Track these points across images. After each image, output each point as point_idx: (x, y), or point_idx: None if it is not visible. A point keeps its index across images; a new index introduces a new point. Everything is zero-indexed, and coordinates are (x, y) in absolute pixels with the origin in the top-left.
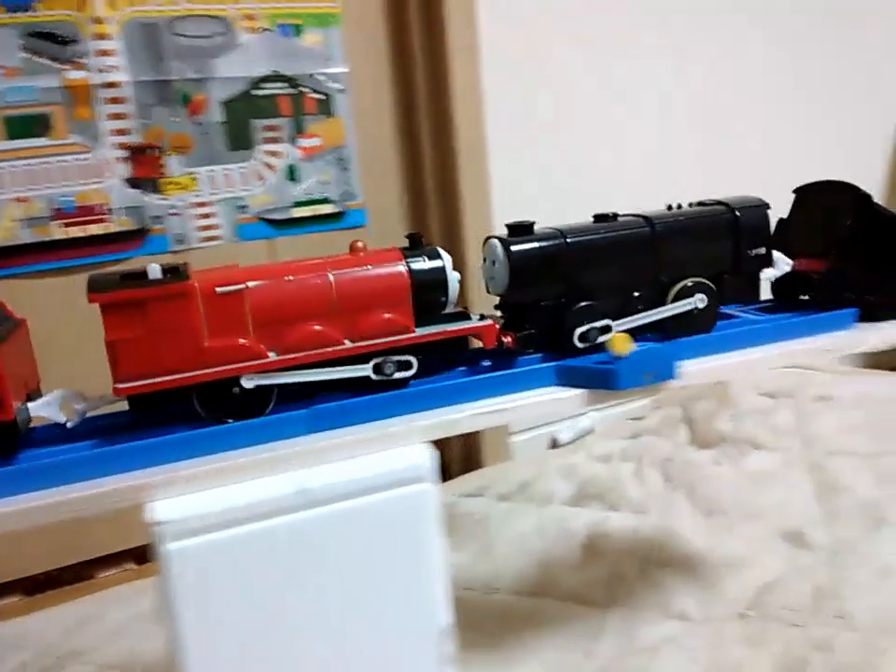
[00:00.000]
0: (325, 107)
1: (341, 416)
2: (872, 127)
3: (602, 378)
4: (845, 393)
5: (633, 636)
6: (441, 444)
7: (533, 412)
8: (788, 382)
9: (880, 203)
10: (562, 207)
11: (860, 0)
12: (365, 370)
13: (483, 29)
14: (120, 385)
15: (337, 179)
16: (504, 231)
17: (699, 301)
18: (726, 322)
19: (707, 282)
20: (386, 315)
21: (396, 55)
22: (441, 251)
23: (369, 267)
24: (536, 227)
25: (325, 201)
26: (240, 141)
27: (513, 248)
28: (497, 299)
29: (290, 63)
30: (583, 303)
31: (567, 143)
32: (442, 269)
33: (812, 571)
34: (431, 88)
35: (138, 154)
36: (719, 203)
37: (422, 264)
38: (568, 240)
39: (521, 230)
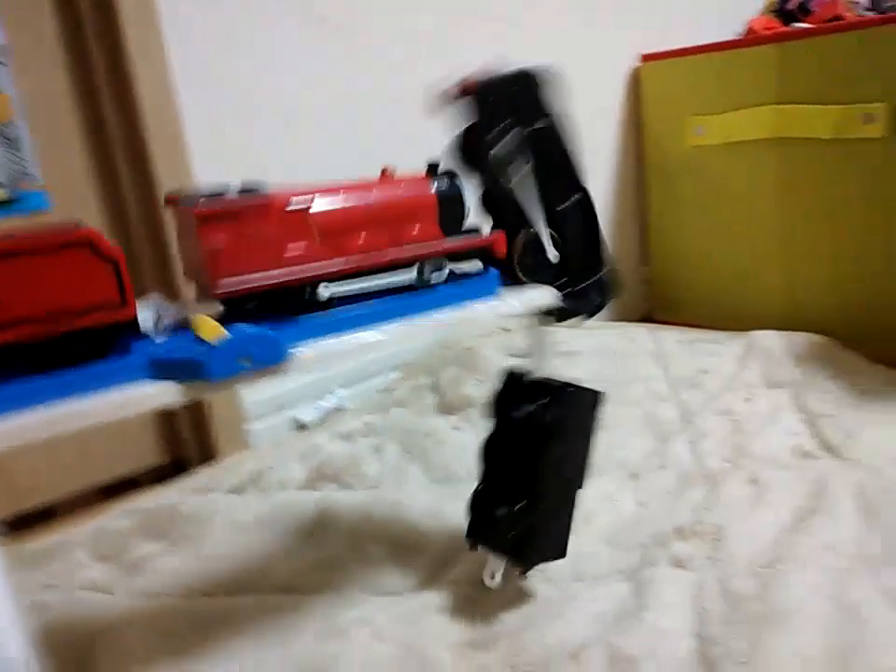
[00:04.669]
0: None
1: None
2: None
3: (193, 368)
4: (584, 347)
5: (333, 620)
6: (171, 437)
7: (117, 413)
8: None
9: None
10: (263, 162)
11: None
12: (410, 272)
13: None
14: (219, 289)
15: (6, 160)
16: None
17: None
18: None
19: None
20: (419, 227)
21: (62, 17)
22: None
23: (401, 186)
24: None
25: None
26: None
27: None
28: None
29: None
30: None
31: (261, 92)
32: (460, 188)
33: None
34: (107, 49)
35: None
36: None
37: (444, 184)
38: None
39: None
